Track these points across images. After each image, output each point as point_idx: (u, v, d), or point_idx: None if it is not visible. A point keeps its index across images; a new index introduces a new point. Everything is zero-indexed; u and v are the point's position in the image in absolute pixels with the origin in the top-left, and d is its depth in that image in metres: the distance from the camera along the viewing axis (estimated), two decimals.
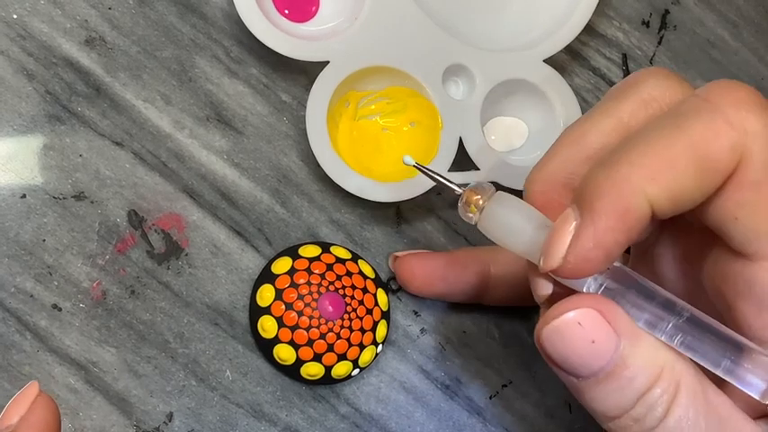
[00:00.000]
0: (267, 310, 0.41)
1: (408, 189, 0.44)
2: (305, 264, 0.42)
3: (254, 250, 0.44)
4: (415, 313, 0.46)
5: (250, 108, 0.45)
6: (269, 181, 0.44)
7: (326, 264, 0.42)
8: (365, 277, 0.43)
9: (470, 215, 0.35)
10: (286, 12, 0.46)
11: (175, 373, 0.41)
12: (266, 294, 0.42)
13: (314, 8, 0.46)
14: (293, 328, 0.41)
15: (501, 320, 0.47)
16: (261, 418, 0.42)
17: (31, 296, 0.40)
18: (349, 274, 0.42)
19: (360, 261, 0.44)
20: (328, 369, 0.41)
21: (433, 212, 0.47)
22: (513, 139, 0.49)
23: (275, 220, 0.44)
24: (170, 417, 0.41)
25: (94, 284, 0.41)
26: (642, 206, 0.29)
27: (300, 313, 0.41)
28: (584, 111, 0.49)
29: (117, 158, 0.42)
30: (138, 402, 0.41)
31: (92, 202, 0.41)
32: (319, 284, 0.41)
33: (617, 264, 0.32)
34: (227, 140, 0.44)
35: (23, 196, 0.41)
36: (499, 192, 0.34)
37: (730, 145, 0.29)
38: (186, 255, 0.42)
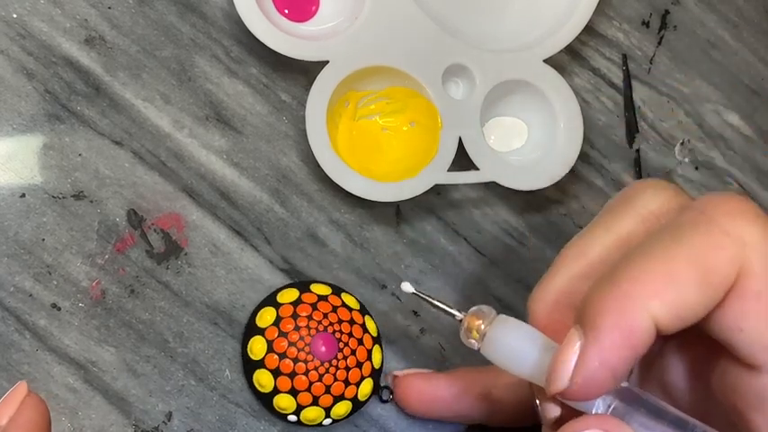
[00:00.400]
0: (261, 364, 0.41)
1: (408, 189, 0.44)
2: (289, 310, 0.42)
3: (254, 250, 0.43)
4: (415, 313, 0.46)
5: (250, 108, 0.45)
6: (268, 181, 0.44)
7: (310, 304, 0.42)
8: (350, 309, 0.43)
9: (472, 341, 0.35)
10: (286, 11, 0.45)
11: (174, 373, 0.41)
12: (257, 348, 0.41)
13: (314, 8, 0.46)
14: (291, 376, 0.40)
15: None
16: (260, 417, 0.42)
17: (30, 295, 0.40)
18: (334, 309, 0.42)
19: (342, 294, 0.43)
20: (327, 411, 0.41)
21: (433, 213, 0.47)
22: (512, 139, 0.49)
23: (275, 219, 0.44)
24: (169, 416, 0.41)
25: (94, 284, 0.41)
26: (646, 323, 0.29)
27: (296, 360, 0.40)
28: (582, 111, 0.49)
29: (116, 158, 0.42)
30: (137, 402, 0.41)
31: (91, 202, 0.41)
32: (308, 327, 0.41)
33: (624, 384, 0.32)
34: (227, 140, 0.44)
35: (23, 195, 0.41)
36: (501, 315, 0.34)
37: (730, 257, 0.29)
38: (185, 254, 0.42)
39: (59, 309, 0.40)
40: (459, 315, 0.35)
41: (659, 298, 0.29)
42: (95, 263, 0.41)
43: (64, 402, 0.40)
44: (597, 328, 0.29)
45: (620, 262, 0.30)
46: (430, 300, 0.37)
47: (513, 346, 0.33)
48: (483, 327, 0.34)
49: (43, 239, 0.40)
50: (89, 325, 0.40)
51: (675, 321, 0.29)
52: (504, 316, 0.34)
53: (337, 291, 0.43)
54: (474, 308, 0.35)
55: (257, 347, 0.41)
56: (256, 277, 0.43)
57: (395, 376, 0.44)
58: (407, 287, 0.37)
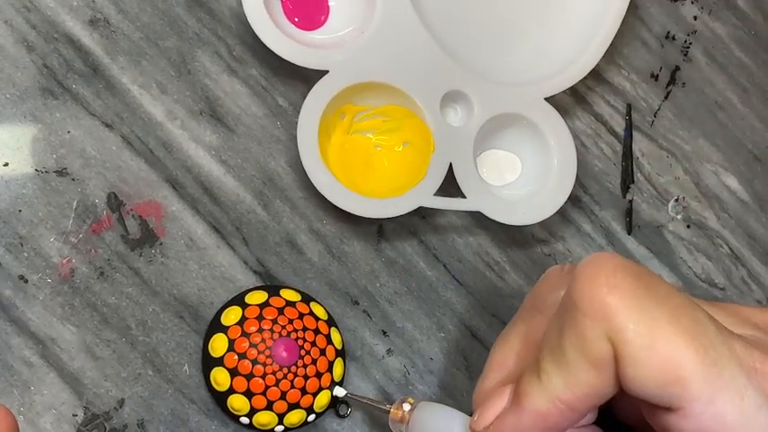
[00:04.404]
0: (220, 362, 0.41)
1: (392, 207, 0.44)
2: (255, 311, 0.41)
3: (230, 248, 0.43)
4: (384, 333, 0.45)
5: (245, 108, 0.45)
6: (254, 182, 0.44)
7: (277, 308, 0.42)
8: (317, 318, 0.42)
9: (400, 426, 0.40)
10: (296, 20, 0.46)
11: (133, 361, 0.41)
12: (218, 345, 0.41)
13: (323, 17, 0.46)
14: (248, 377, 0.40)
15: (469, 353, 0.47)
16: (213, 417, 0.42)
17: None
18: (300, 316, 0.42)
19: (312, 302, 0.43)
20: (281, 417, 0.41)
21: (416, 235, 0.47)
22: (505, 173, 0.49)
23: (255, 221, 0.44)
24: (121, 403, 0.41)
25: (64, 261, 0.41)
26: (557, 409, 0.32)
27: (255, 362, 0.40)
28: (579, 154, 0.49)
29: (105, 140, 0.42)
30: (92, 384, 0.40)
31: (73, 180, 0.41)
32: (271, 330, 0.41)
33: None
34: (218, 136, 0.44)
35: (6, 164, 0.41)
36: (422, 402, 0.40)
37: (600, 336, 0.30)
38: (161, 244, 0.42)
39: (26, 281, 0.40)
40: (387, 407, 0.40)
41: (567, 387, 0.32)
42: (69, 240, 0.41)
43: (18, 375, 0.39)
44: (521, 407, 0.33)
45: (526, 356, 0.37)
46: (361, 400, 0.42)
47: (435, 426, 0.38)
48: (407, 413, 0.39)
49: (20, 211, 0.40)
50: (54, 301, 0.40)
51: (587, 403, 0.32)
52: (424, 402, 0.39)
53: (307, 299, 0.43)
54: (400, 398, 0.40)
55: (218, 345, 0.41)
56: (229, 276, 0.43)
57: None
58: (340, 391, 0.42)
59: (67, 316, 0.40)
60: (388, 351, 0.45)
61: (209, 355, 0.41)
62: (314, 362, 0.41)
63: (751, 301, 0.53)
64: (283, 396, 0.40)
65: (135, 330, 0.41)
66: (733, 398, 0.30)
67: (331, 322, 0.43)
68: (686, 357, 0.29)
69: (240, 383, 0.40)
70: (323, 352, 0.42)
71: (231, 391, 0.40)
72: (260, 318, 0.41)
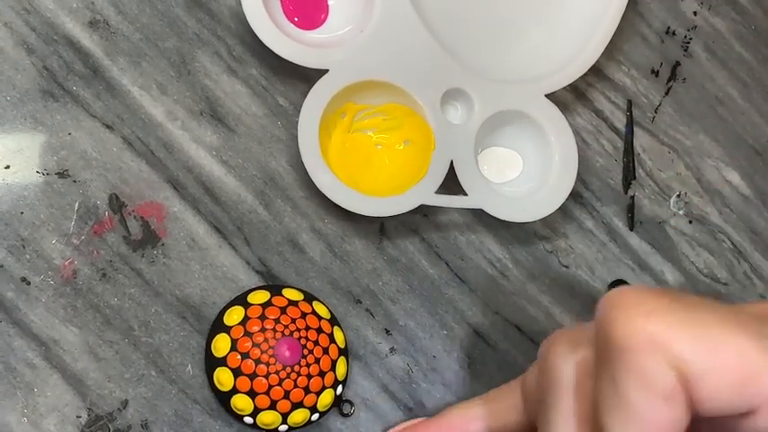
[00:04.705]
0: (223, 362, 0.41)
1: (393, 206, 0.44)
2: (258, 311, 0.41)
3: (231, 248, 0.43)
4: (387, 332, 0.45)
5: (245, 108, 0.45)
6: (255, 182, 0.44)
7: (279, 308, 0.42)
8: (319, 317, 0.43)
9: None
10: (295, 19, 0.46)
11: (136, 362, 0.41)
12: (221, 345, 0.41)
13: (323, 16, 0.46)
14: (251, 377, 0.40)
15: (472, 350, 0.47)
16: (216, 417, 0.42)
17: (1, 266, 0.40)
18: (303, 315, 0.42)
19: (314, 302, 0.43)
20: (284, 417, 0.41)
21: (418, 233, 0.47)
22: (506, 170, 0.49)
23: (256, 221, 0.44)
24: (125, 404, 0.41)
25: (66, 263, 0.41)
26: None
27: (258, 361, 0.40)
28: (581, 150, 0.49)
29: (105, 141, 0.42)
30: (95, 386, 0.40)
31: (74, 181, 0.41)
32: (274, 330, 0.41)
33: None
34: (219, 137, 0.44)
35: (7, 167, 0.41)
36: None
37: (661, 367, 0.28)
38: (162, 245, 0.42)
39: (29, 283, 0.40)
40: None
41: None
42: (71, 242, 0.41)
43: (21, 377, 0.39)
44: None
45: None
46: None
47: None
48: None
49: (22, 213, 0.40)
50: (56, 303, 0.40)
51: None
52: None
53: (309, 298, 0.43)
54: None
55: (221, 345, 0.41)
56: (231, 276, 0.43)
57: None
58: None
59: (70, 317, 0.40)
60: (391, 349, 0.45)
61: (212, 355, 0.41)
62: (317, 361, 0.41)
63: (754, 295, 0.53)
64: (287, 395, 0.40)
65: (138, 331, 0.41)
66: None
67: (334, 321, 0.43)
68: (750, 351, 0.28)
69: (243, 383, 0.40)
70: (326, 351, 0.42)
71: (234, 390, 0.40)
72: (262, 317, 0.41)
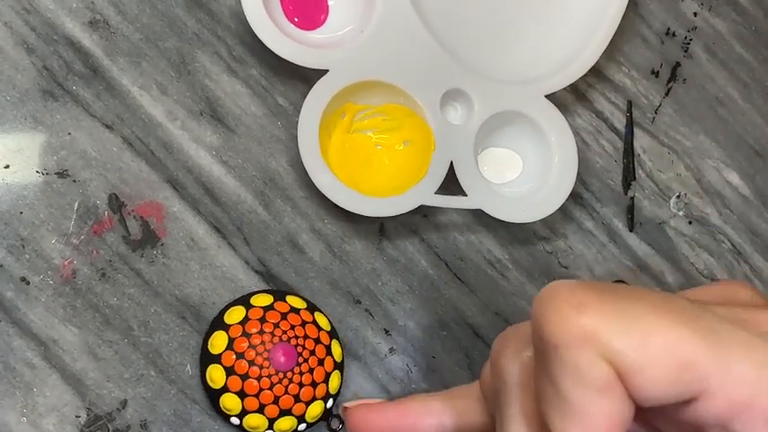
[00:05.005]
0: (217, 359, 0.41)
1: (393, 206, 0.44)
2: (259, 313, 0.41)
3: (231, 249, 0.43)
4: (386, 332, 0.45)
5: (245, 108, 0.45)
6: (255, 182, 0.44)
7: (281, 313, 0.42)
8: (319, 328, 0.42)
9: None
10: (295, 19, 0.46)
11: (135, 361, 0.41)
12: (218, 342, 0.41)
13: (323, 16, 0.46)
14: (243, 378, 0.40)
15: (471, 351, 0.47)
16: (215, 417, 0.42)
17: (1, 266, 0.40)
18: (303, 323, 0.42)
19: (316, 312, 0.43)
20: (271, 422, 0.41)
21: (417, 234, 0.47)
22: (506, 171, 0.49)
23: (256, 221, 0.44)
24: (124, 404, 0.41)
25: (66, 262, 0.41)
26: None
27: (252, 363, 0.40)
28: (580, 151, 0.49)
29: (105, 141, 0.42)
30: (94, 386, 0.40)
31: (74, 181, 0.41)
32: (272, 334, 0.41)
33: None
34: (218, 137, 0.44)
35: (7, 167, 0.41)
36: None
37: (594, 360, 0.28)
38: (162, 245, 0.42)
39: (28, 283, 0.40)
40: None
41: None
42: (70, 242, 0.41)
43: (20, 377, 0.39)
44: None
45: None
46: None
47: None
48: None
49: (21, 212, 0.40)
50: (56, 303, 0.40)
51: None
52: None
53: (312, 308, 0.43)
54: None
55: (218, 342, 0.41)
56: (230, 276, 0.43)
57: (345, 408, 0.42)
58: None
59: (69, 317, 0.40)
60: (391, 350, 0.45)
61: (208, 351, 0.41)
62: (311, 371, 0.41)
63: None
64: (276, 401, 0.40)
65: (137, 331, 0.41)
66: (744, 355, 0.28)
67: (333, 334, 0.43)
68: (683, 338, 0.28)
69: (235, 383, 0.40)
70: (321, 362, 0.42)
71: (225, 389, 0.40)
72: (262, 320, 0.41)
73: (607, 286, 0.29)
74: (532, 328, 0.29)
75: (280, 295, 0.43)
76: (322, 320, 0.43)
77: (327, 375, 0.42)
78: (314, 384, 0.41)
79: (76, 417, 0.40)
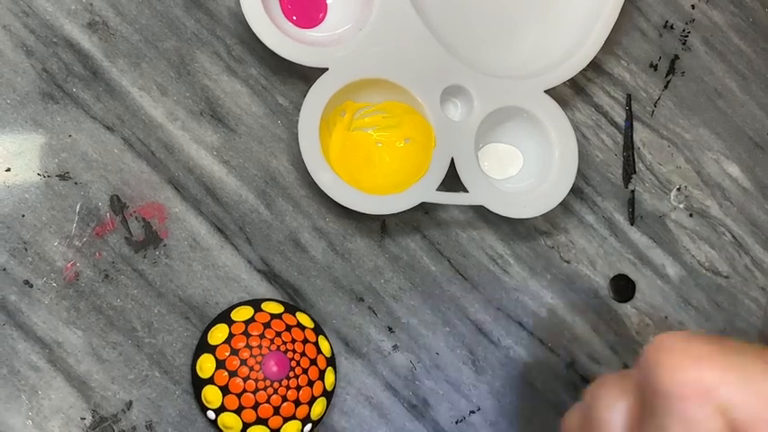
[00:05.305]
0: (210, 381, 0.40)
1: (394, 203, 0.44)
2: (241, 327, 0.41)
3: (234, 248, 0.43)
4: (389, 329, 0.45)
5: (245, 108, 0.45)
6: (256, 181, 0.44)
7: (263, 323, 0.41)
8: (303, 327, 0.42)
9: None
10: (294, 18, 0.46)
11: (140, 362, 0.41)
12: (206, 365, 0.41)
13: (321, 15, 0.46)
14: (239, 395, 0.40)
15: (475, 347, 0.47)
16: None
17: (4, 269, 0.40)
18: (288, 328, 0.42)
19: (297, 313, 0.43)
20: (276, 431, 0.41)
21: (419, 231, 0.47)
22: (507, 166, 0.49)
23: (258, 220, 0.44)
24: (129, 405, 0.41)
25: (69, 265, 0.41)
26: None
27: (246, 378, 0.40)
28: (581, 146, 0.49)
29: (106, 143, 0.42)
30: (99, 387, 0.40)
31: (76, 183, 0.41)
32: (260, 346, 0.41)
33: None
34: (219, 137, 0.44)
35: (8, 170, 0.41)
36: None
37: (709, 413, 0.28)
38: (164, 245, 0.42)
39: (31, 286, 0.40)
40: None
41: None
42: (73, 244, 0.41)
43: (25, 380, 0.39)
44: None
45: None
46: None
47: None
48: None
49: (23, 215, 0.40)
50: (59, 305, 0.40)
51: None
52: None
53: (291, 309, 0.43)
54: None
55: (206, 365, 0.41)
56: (233, 276, 0.43)
57: None
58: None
59: (73, 319, 0.41)
60: (394, 347, 0.45)
61: (198, 376, 0.41)
62: (305, 371, 0.41)
63: (755, 288, 0.53)
64: (277, 411, 0.40)
65: (141, 332, 0.41)
66: None
67: (318, 330, 0.43)
68: None
69: (231, 401, 0.40)
70: (313, 362, 0.42)
71: (222, 409, 0.40)
72: (246, 334, 0.41)
73: (720, 339, 0.29)
74: (644, 378, 0.29)
75: (255, 304, 0.43)
76: (304, 319, 0.43)
77: (322, 372, 0.42)
78: (311, 384, 0.41)
79: (82, 419, 0.40)
